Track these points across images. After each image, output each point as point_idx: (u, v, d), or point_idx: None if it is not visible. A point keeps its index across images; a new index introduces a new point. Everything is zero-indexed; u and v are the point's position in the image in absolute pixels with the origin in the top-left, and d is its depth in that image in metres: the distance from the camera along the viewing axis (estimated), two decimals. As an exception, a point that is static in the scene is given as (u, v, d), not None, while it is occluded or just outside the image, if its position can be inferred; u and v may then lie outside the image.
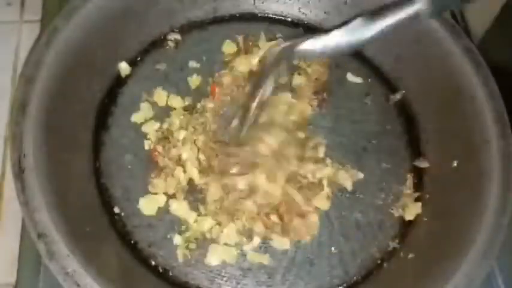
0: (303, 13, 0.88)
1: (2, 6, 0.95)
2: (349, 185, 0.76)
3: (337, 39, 0.75)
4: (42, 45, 0.72)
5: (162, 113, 0.79)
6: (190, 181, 0.74)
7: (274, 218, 0.72)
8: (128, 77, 0.82)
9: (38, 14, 0.91)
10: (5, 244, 0.74)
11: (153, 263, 0.70)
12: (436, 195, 0.75)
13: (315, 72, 0.83)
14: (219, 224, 0.72)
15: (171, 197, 0.74)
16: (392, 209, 0.76)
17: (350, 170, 0.77)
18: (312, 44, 0.76)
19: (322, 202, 0.74)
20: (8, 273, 0.72)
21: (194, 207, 0.73)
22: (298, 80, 0.82)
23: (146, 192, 0.74)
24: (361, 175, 0.77)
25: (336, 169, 0.77)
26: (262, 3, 0.88)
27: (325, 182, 0.75)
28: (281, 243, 0.72)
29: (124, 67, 0.81)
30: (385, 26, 0.73)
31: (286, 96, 0.80)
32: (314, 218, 0.73)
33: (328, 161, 0.77)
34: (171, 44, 0.85)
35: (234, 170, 0.74)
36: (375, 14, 0.73)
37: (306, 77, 0.82)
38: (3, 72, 0.88)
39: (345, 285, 0.71)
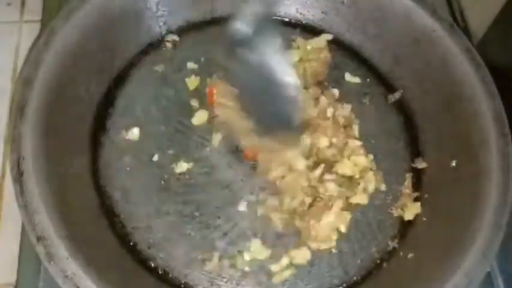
0: (301, 13, 0.88)
1: (2, 6, 0.95)
2: (370, 188, 0.76)
3: None
4: (41, 47, 0.72)
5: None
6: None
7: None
8: (126, 78, 0.82)
9: (38, 14, 0.91)
10: (5, 244, 0.74)
11: (153, 264, 0.70)
12: (435, 195, 0.75)
13: (313, 70, 0.83)
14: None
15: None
16: (391, 209, 0.76)
17: (379, 176, 0.77)
18: None
19: (361, 197, 0.74)
20: (8, 273, 0.72)
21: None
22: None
23: (145, 193, 0.74)
24: (384, 187, 0.77)
25: (370, 164, 0.77)
26: (260, 3, 0.88)
27: (356, 170, 0.75)
28: (303, 256, 0.72)
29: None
30: None
31: None
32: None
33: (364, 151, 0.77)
34: (168, 45, 0.85)
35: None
36: None
37: (303, 74, 0.82)
38: (3, 72, 0.88)
39: (344, 285, 0.71)
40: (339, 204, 0.72)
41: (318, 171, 0.73)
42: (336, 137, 0.76)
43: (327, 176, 0.74)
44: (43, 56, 0.71)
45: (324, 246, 0.72)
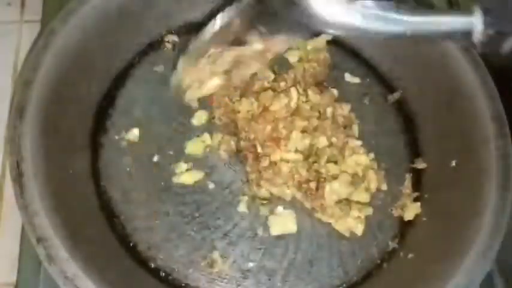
0: (301, 13, 0.88)
1: (2, 6, 0.95)
2: (372, 187, 0.76)
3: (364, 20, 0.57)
4: (40, 48, 0.72)
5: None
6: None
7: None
8: (126, 79, 0.82)
9: (38, 14, 0.91)
10: (6, 244, 0.74)
11: (153, 265, 0.70)
12: (435, 195, 0.75)
13: (312, 70, 0.83)
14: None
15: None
16: (391, 209, 0.76)
17: (380, 175, 0.77)
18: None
19: (362, 195, 0.74)
20: (9, 273, 0.72)
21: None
22: (291, 74, 0.82)
23: (145, 194, 0.74)
24: (385, 186, 0.77)
25: (371, 163, 0.77)
26: (260, 3, 0.88)
27: (359, 169, 0.75)
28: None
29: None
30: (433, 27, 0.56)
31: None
32: None
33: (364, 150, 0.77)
34: (168, 45, 0.85)
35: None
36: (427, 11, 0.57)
37: (303, 74, 0.82)
38: (3, 72, 0.88)
39: (344, 285, 0.71)
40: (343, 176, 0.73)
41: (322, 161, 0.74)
42: (336, 137, 0.76)
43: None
44: (43, 57, 0.71)
45: (341, 225, 0.73)
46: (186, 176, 0.76)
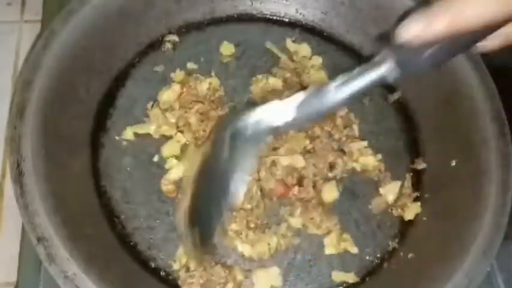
0: (301, 13, 0.88)
1: (2, 6, 0.95)
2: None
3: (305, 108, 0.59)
4: (40, 48, 0.72)
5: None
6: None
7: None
8: (126, 79, 0.82)
9: (39, 14, 0.91)
10: (6, 243, 0.75)
11: (153, 265, 0.70)
12: (435, 194, 0.75)
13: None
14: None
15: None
16: (391, 209, 0.76)
17: (389, 180, 0.77)
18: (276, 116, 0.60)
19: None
20: (9, 273, 0.72)
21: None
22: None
23: (145, 194, 0.74)
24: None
25: (378, 164, 0.77)
26: (260, 3, 0.88)
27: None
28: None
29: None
30: (355, 91, 0.59)
31: None
32: None
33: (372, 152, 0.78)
34: (168, 45, 0.85)
35: None
36: (345, 80, 0.58)
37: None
38: (3, 72, 0.88)
39: (344, 285, 0.71)
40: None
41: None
42: (341, 141, 0.77)
43: None
44: (43, 57, 0.71)
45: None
46: (186, 175, 0.76)
